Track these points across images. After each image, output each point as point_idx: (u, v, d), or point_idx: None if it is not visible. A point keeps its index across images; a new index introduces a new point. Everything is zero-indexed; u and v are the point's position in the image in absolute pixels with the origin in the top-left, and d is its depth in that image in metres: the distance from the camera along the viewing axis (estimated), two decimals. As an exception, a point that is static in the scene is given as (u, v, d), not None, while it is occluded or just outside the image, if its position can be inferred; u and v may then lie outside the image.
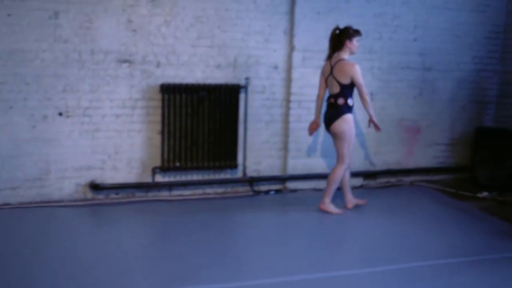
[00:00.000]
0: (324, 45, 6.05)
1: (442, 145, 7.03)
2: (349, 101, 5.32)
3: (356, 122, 6.24)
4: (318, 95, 5.55)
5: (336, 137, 5.40)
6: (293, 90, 6.15)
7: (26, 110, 5.40)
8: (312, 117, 6.18)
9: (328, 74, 5.34)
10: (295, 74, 6.11)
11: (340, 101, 5.29)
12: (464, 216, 5.62)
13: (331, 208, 5.52)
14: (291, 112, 6.20)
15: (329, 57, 5.37)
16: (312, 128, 5.64)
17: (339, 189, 5.65)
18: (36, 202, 5.55)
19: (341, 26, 5.31)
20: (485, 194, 6.38)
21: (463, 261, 4.42)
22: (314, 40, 6.07)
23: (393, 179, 6.86)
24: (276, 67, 6.10)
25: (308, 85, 6.15)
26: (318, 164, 6.39)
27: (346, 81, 5.24)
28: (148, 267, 4.21)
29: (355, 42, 5.29)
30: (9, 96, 5.33)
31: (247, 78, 5.98)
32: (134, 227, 5.11)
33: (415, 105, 6.77)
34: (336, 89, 5.30)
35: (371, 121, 5.53)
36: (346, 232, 5.23)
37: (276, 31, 6.02)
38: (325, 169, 6.40)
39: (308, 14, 6.01)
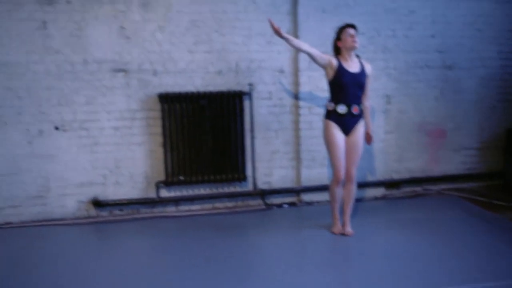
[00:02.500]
0: (331, 45, 5.40)
1: (471, 150, 6.13)
2: (327, 104, 4.56)
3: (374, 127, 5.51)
4: None
5: None
6: (302, 95, 5.48)
7: (21, 125, 5.00)
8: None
9: None
10: (302, 78, 5.45)
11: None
12: (498, 230, 4.67)
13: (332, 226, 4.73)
14: (302, 118, 5.52)
15: None
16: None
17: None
18: (38, 221, 5.12)
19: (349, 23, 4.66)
20: (521, 202, 5.42)
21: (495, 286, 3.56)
22: (320, 40, 5.41)
23: (418, 188, 6.00)
24: (281, 71, 5.46)
25: (318, 89, 5.47)
26: (334, 173, 5.63)
27: (328, 79, 4.55)
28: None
29: (344, 36, 4.49)
30: (2, 111, 4.96)
31: (250, 84, 5.35)
32: (137, 246, 4.50)
33: (437, 106, 5.95)
34: None
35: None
36: (372, 252, 4.26)
37: (279, 32, 5.38)
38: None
39: (312, 13, 5.39)
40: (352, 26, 4.53)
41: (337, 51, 4.58)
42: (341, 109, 4.48)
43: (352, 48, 4.48)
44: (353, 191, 4.65)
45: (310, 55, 4.52)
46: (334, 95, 4.53)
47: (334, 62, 4.49)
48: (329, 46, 5.36)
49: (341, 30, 4.54)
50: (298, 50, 4.62)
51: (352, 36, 4.47)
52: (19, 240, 4.63)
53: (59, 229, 4.94)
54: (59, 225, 5.02)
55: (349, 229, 4.66)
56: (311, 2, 5.37)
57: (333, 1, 5.43)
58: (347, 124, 4.51)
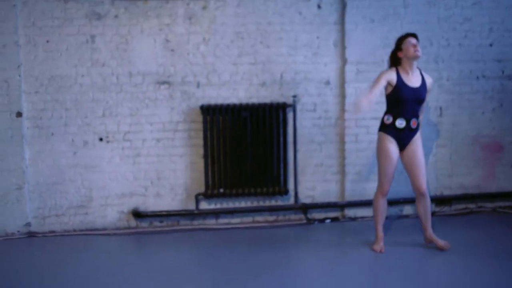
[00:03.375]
0: (380, 56, 5.44)
1: (530, 165, 5.98)
2: (386, 118, 4.52)
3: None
4: None
5: None
6: (348, 107, 5.51)
7: (67, 136, 5.29)
8: (370, 137, 5.53)
9: None
10: (349, 90, 5.49)
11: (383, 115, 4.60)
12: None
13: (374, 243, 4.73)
14: (347, 131, 5.55)
15: None
16: None
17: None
18: (80, 230, 5.41)
19: (400, 33, 4.62)
20: None
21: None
22: (368, 51, 5.42)
23: (472, 205, 5.91)
24: (327, 83, 5.51)
25: (365, 101, 5.48)
26: (380, 188, 5.64)
27: (386, 93, 4.53)
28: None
29: (406, 46, 4.44)
30: (50, 122, 5.25)
31: (294, 96, 5.45)
32: (175, 258, 4.67)
33: (494, 119, 5.83)
34: None
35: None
36: (414, 274, 4.22)
37: (325, 43, 5.45)
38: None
39: (361, 23, 5.40)
40: (414, 35, 4.48)
41: (397, 63, 4.53)
42: (400, 123, 4.47)
43: (415, 57, 4.42)
44: (428, 205, 4.60)
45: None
46: (392, 109, 4.50)
47: (394, 78, 4.43)
48: (378, 56, 5.45)
49: (401, 40, 4.50)
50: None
51: (414, 45, 4.41)
52: (62, 249, 4.92)
53: (100, 238, 5.21)
54: (100, 235, 5.29)
55: (442, 242, 4.62)
56: (359, 12, 5.38)
57: (382, 10, 5.42)
58: (404, 138, 4.50)
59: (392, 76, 4.45)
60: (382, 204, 4.66)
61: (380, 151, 4.55)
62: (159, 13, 5.25)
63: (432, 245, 4.66)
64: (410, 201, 5.61)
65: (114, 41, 5.21)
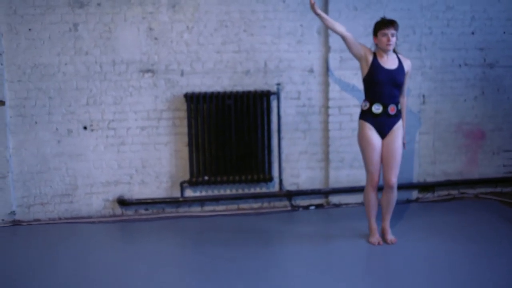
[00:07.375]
0: (363, 43, 5.88)
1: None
2: (363, 104, 4.78)
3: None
4: None
5: None
6: (331, 95, 5.99)
7: (51, 124, 5.69)
8: (354, 124, 6.02)
9: None
10: (332, 78, 5.96)
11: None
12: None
13: (369, 236, 4.98)
14: (331, 119, 6.04)
15: None
16: None
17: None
18: (65, 218, 5.83)
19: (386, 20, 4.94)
20: None
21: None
22: (352, 39, 5.90)
23: (454, 192, 6.46)
24: (311, 71, 5.99)
25: (348, 89, 5.98)
26: (364, 175, 6.13)
27: (362, 75, 4.81)
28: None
29: (379, 36, 4.64)
30: (33, 111, 5.64)
31: (278, 84, 5.92)
32: (160, 246, 5.06)
33: (476, 106, 6.36)
34: None
35: None
36: (404, 264, 4.57)
37: (309, 31, 5.91)
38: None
39: (344, 11, 5.86)
40: (390, 23, 4.61)
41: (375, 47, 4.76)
42: (377, 108, 4.67)
43: (385, 50, 4.63)
44: (393, 198, 4.84)
45: (344, 39, 4.71)
46: (369, 94, 4.72)
47: (370, 56, 4.69)
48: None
49: (377, 27, 4.66)
50: (332, 30, 4.76)
51: (386, 36, 4.59)
52: (47, 237, 5.31)
53: (85, 227, 5.61)
54: (85, 223, 5.70)
55: (391, 237, 4.91)
56: (342, 0, 5.87)
57: (366, -2, 5.91)
58: (383, 125, 4.71)
59: (369, 54, 4.70)
60: (372, 197, 4.85)
61: (361, 140, 4.78)
62: (142, 1, 5.64)
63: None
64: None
65: (97, 30, 5.61)
